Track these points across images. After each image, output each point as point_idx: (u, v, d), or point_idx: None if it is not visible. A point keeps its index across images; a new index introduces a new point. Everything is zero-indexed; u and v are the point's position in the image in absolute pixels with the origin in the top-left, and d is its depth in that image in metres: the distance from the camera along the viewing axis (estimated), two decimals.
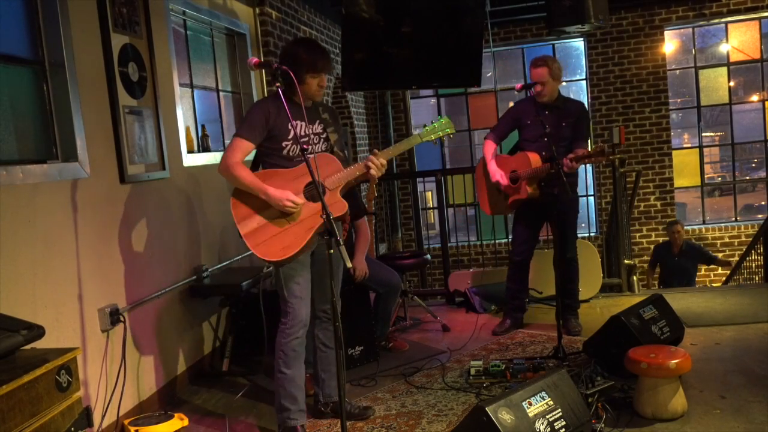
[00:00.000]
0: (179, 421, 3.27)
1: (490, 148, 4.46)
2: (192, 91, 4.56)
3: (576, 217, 4.38)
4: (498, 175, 4.30)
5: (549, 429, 2.52)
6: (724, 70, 8.81)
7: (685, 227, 7.74)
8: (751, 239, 7.52)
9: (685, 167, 8.99)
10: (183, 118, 4.18)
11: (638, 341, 3.30)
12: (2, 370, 2.05)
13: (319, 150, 3.07)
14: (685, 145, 9.50)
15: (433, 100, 9.62)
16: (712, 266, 8.14)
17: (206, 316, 4.30)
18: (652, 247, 8.42)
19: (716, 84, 8.92)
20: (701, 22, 8.51)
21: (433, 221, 10.19)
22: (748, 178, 10.50)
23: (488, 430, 2.40)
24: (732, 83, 8.89)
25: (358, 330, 4.01)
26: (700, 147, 8.95)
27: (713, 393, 3.24)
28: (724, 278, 8.23)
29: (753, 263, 7.48)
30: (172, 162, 3.94)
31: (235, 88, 5.21)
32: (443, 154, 9.46)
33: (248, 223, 2.96)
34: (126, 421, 3.24)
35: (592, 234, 8.76)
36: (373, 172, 2.98)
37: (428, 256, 5.17)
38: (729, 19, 8.45)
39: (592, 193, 8.87)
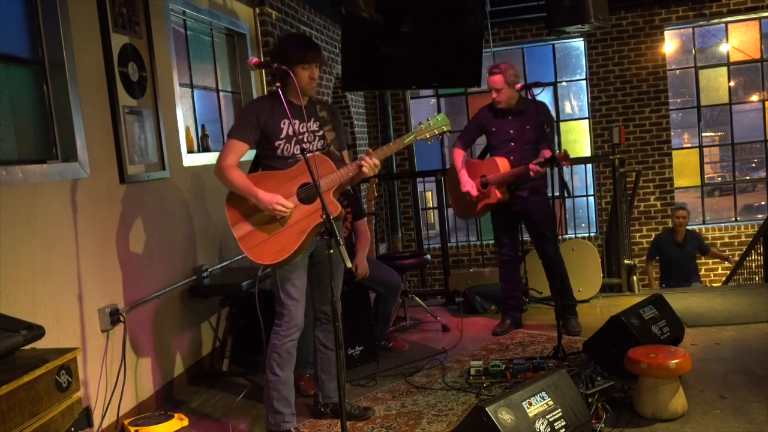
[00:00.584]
0: (179, 421, 3.27)
1: (459, 155, 4.52)
2: (192, 91, 4.56)
3: (549, 216, 4.39)
4: (468, 186, 4.38)
5: (549, 429, 2.52)
6: (724, 70, 8.81)
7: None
8: (751, 239, 7.52)
9: (685, 167, 8.99)
10: (183, 118, 4.18)
11: (638, 341, 3.30)
12: (2, 370, 2.05)
13: (315, 148, 3.04)
14: (685, 145, 9.50)
15: (433, 100, 9.62)
16: (712, 264, 8.12)
17: (206, 316, 4.30)
18: None
19: (716, 84, 8.92)
20: (701, 22, 8.51)
21: (433, 221, 10.19)
22: (748, 178, 10.51)
23: (488, 430, 2.40)
24: (732, 83, 8.89)
25: (358, 330, 4.01)
26: (700, 147, 8.95)
27: (713, 393, 3.24)
28: (724, 278, 8.23)
29: (753, 263, 7.48)
30: (172, 162, 3.95)
31: (235, 88, 5.22)
32: (443, 154, 9.46)
33: (242, 226, 2.95)
34: (126, 421, 3.24)
35: (592, 234, 8.76)
36: (366, 171, 2.94)
37: (428, 256, 5.17)
38: (729, 19, 8.45)
39: (592, 193, 8.87)
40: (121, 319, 3.30)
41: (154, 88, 3.80)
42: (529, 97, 4.22)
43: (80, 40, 3.20)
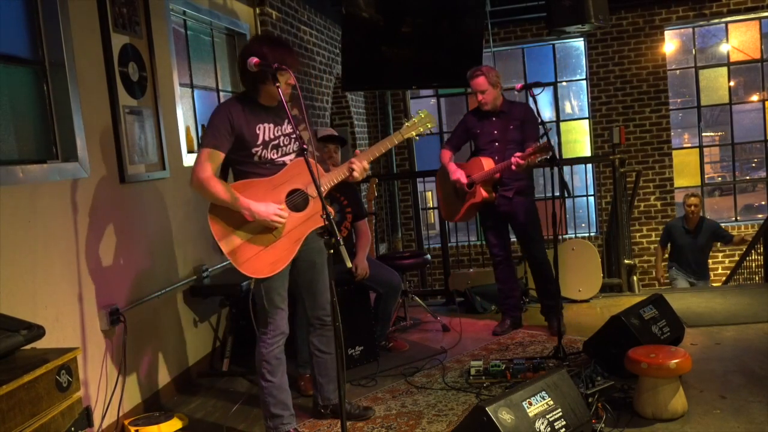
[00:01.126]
0: (179, 421, 3.27)
1: (446, 154, 4.57)
2: (192, 91, 4.56)
3: (533, 218, 4.40)
4: (458, 173, 4.39)
5: (549, 429, 2.52)
6: (724, 70, 8.81)
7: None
8: (751, 239, 7.52)
9: (686, 167, 8.99)
10: (183, 118, 4.18)
11: (638, 341, 3.30)
12: (2, 370, 2.05)
13: (291, 151, 2.95)
14: (685, 145, 9.50)
15: (433, 100, 9.62)
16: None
17: (206, 316, 4.30)
18: (652, 247, 8.42)
19: (716, 84, 8.92)
20: (701, 22, 8.51)
21: (433, 221, 10.19)
22: (748, 178, 10.50)
23: (488, 430, 2.40)
24: (732, 83, 8.89)
25: (358, 330, 4.01)
26: (700, 147, 8.95)
27: (713, 393, 3.24)
28: (724, 278, 8.23)
29: (753, 263, 7.47)
30: (172, 162, 3.95)
31: (235, 88, 5.21)
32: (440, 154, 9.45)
33: (231, 239, 2.78)
34: (126, 421, 3.25)
35: (592, 234, 8.77)
36: (356, 174, 2.93)
37: (428, 256, 5.17)
38: (729, 19, 8.45)
39: (592, 193, 8.87)
40: (121, 319, 3.30)
41: (155, 88, 3.80)
42: (530, 97, 4.22)
43: (80, 40, 3.20)
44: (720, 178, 10.67)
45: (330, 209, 2.80)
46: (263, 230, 2.82)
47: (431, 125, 3.08)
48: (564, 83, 9.18)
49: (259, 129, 2.84)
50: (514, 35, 8.75)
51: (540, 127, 4.11)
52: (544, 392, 2.61)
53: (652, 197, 8.68)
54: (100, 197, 3.27)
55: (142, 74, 3.70)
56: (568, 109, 9.54)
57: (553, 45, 8.89)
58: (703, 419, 2.97)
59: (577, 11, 5.58)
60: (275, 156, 2.90)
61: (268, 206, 2.79)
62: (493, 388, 3.50)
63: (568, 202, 8.50)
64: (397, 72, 6.03)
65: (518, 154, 4.02)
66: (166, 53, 3.99)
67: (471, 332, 4.63)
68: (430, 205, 10.09)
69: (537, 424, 2.50)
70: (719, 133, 10.32)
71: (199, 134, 4.63)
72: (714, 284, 8.14)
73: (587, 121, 8.93)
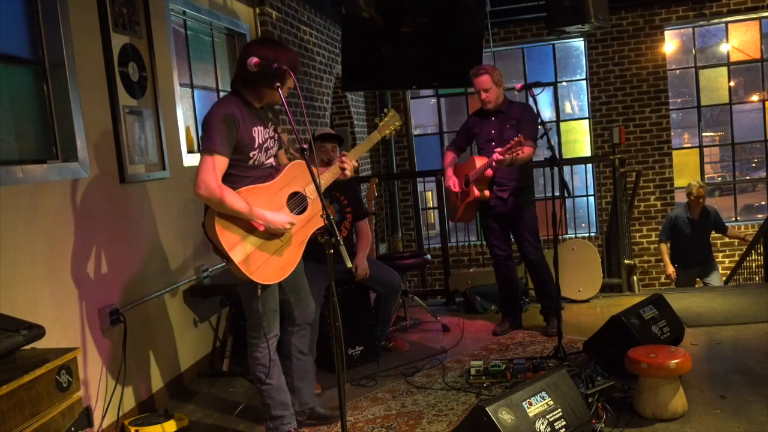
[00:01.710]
0: (179, 421, 3.27)
1: (448, 157, 4.65)
2: (192, 91, 4.56)
3: (529, 219, 4.39)
4: (450, 181, 4.53)
5: (549, 429, 2.52)
6: (724, 70, 8.81)
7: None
8: (751, 239, 7.52)
9: (686, 167, 8.98)
10: (183, 118, 4.18)
11: (638, 341, 3.30)
12: (2, 370, 2.05)
13: (274, 153, 2.93)
14: (685, 145, 9.50)
15: (433, 100, 9.62)
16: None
17: (206, 316, 4.30)
18: (652, 247, 8.42)
19: (716, 84, 8.92)
20: (701, 22, 8.51)
21: (433, 221, 10.18)
22: (748, 178, 10.50)
23: (488, 430, 2.40)
24: (732, 83, 8.89)
25: (358, 330, 4.01)
26: (700, 147, 8.95)
27: (713, 393, 3.24)
28: (724, 278, 8.23)
29: (753, 263, 7.48)
30: (172, 162, 3.94)
31: None
32: (443, 154, 9.45)
33: (241, 248, 2.70)
34: (126, 421, 3.25)
35: (592, 234, 8.77)
36: (348, 173, 3.02)
37: (428, 256, 5.17)
38: (729, 19, 8.45)
39: (592, 193, 8.87)
40: (121, 319, 3.30)
41: (155, 88, 3.80)
42: (530, 96, 4.22)
43: (80, 40, 3.20)
44: (720, 178, 10.66)
45: (330, 209, 2.81)
46: (270, 236, 2.79)
47: (398, 123, 3.20)
48: (564, 83, 9.18)
49: (254, 132, 2.80)
50: (514, 35, 8.75)
51: (540, 127, 4.12)
52: (544, 392, 2.61)
53: (652, 197, 8.68)
54: (100, 197, 3.27)
55: (142, 74, 3.70)
56: (568, 109, 9.54)
57: (553, 45, 8.89)
58: (703, 419, 2.97)
59: (577, 11, 5.58)
60: (265, 159, 2.87)
61: (279, 215, 2.77)
62: (493, 388, 3.50)
63: (568, 202, 8.50)
64: (397, 72, 6.03)
65: (498, 149, 4.01)
66: (166, 53, 3.99)
67: (471, 332, 4.63)
68: (430, 205, 10.08)
69: (537, 424, 2.50)
70: (719, 133, 10.31)
71: (199, 134, 4.62)
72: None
73: (587, 121, 8.93)
